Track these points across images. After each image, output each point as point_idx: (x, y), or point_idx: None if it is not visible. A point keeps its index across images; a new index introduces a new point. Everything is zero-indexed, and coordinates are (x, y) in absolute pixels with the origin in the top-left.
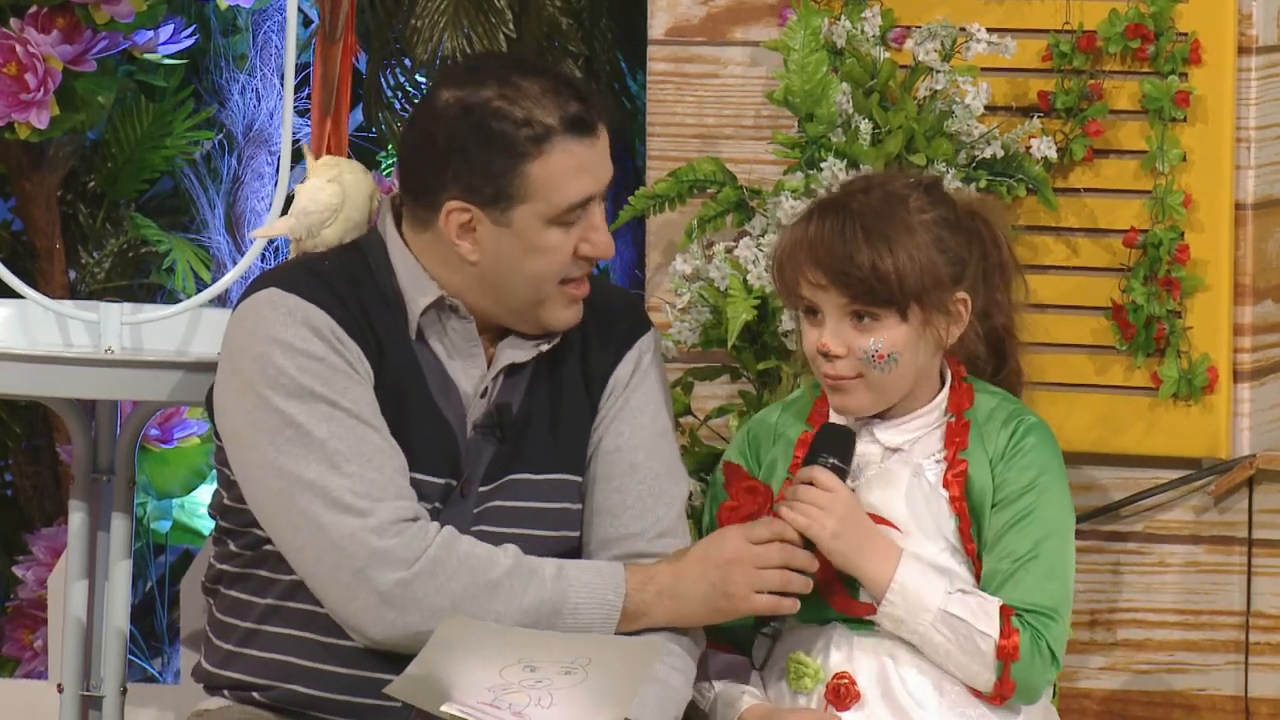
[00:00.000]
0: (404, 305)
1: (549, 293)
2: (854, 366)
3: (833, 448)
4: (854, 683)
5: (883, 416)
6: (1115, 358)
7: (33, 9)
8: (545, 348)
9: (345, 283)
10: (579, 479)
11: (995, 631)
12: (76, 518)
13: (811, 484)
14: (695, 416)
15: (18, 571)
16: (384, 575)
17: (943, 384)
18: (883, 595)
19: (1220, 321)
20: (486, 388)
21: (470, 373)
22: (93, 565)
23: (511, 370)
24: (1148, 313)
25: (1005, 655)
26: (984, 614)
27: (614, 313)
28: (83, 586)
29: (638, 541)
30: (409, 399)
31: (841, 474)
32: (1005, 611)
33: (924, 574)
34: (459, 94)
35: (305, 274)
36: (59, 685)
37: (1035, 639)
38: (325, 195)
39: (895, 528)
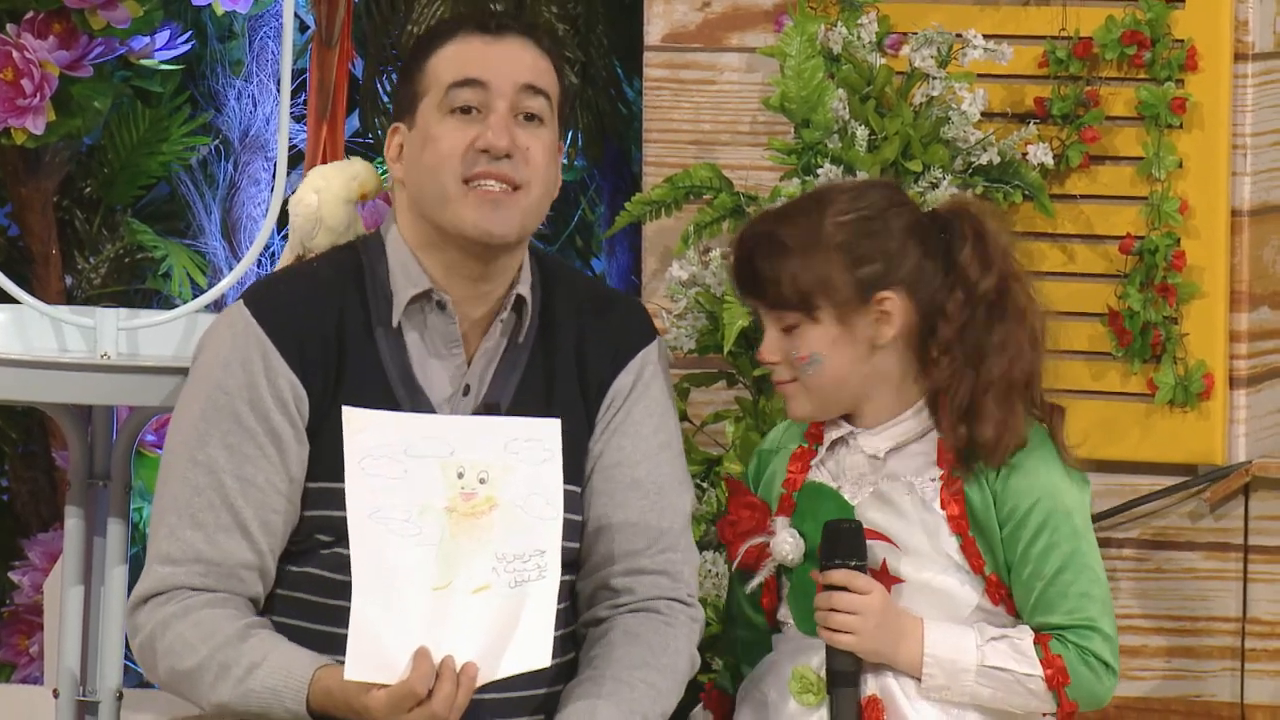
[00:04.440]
0: (390, 300)
1: (451, 189)
2: (788, 372)
3: (845, 549)
4: (881, 706)
5: (865, 425)
6: (1111, 364)
7: (29, 14)
8: (504, 315)
9: (326, 285)
10: (575, 489)
11: (1038, 669)
12: (72, 523)
13: (844, 588)
14: (691, 422)
15: (14, 577)
16: (132, 638)
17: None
18: (919, 671)
19: (1216, 328)
20: (469, 384)
21: (449, 370)
22: (89, 571)
23: (501, 366)
24: (1144, 319)
25: (1056, 684)
26: (1022, 655)
27: (615, 318)
28: (79, 592)
29: (640, 558)
30: (373, 406)
31: (862, 569)
32: (1041, 639)
33: (950, 636)
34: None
35: (283, 284)
36: (55, 690)
37: (1081, 655)
38: (304, 206)
39: (893, 543)
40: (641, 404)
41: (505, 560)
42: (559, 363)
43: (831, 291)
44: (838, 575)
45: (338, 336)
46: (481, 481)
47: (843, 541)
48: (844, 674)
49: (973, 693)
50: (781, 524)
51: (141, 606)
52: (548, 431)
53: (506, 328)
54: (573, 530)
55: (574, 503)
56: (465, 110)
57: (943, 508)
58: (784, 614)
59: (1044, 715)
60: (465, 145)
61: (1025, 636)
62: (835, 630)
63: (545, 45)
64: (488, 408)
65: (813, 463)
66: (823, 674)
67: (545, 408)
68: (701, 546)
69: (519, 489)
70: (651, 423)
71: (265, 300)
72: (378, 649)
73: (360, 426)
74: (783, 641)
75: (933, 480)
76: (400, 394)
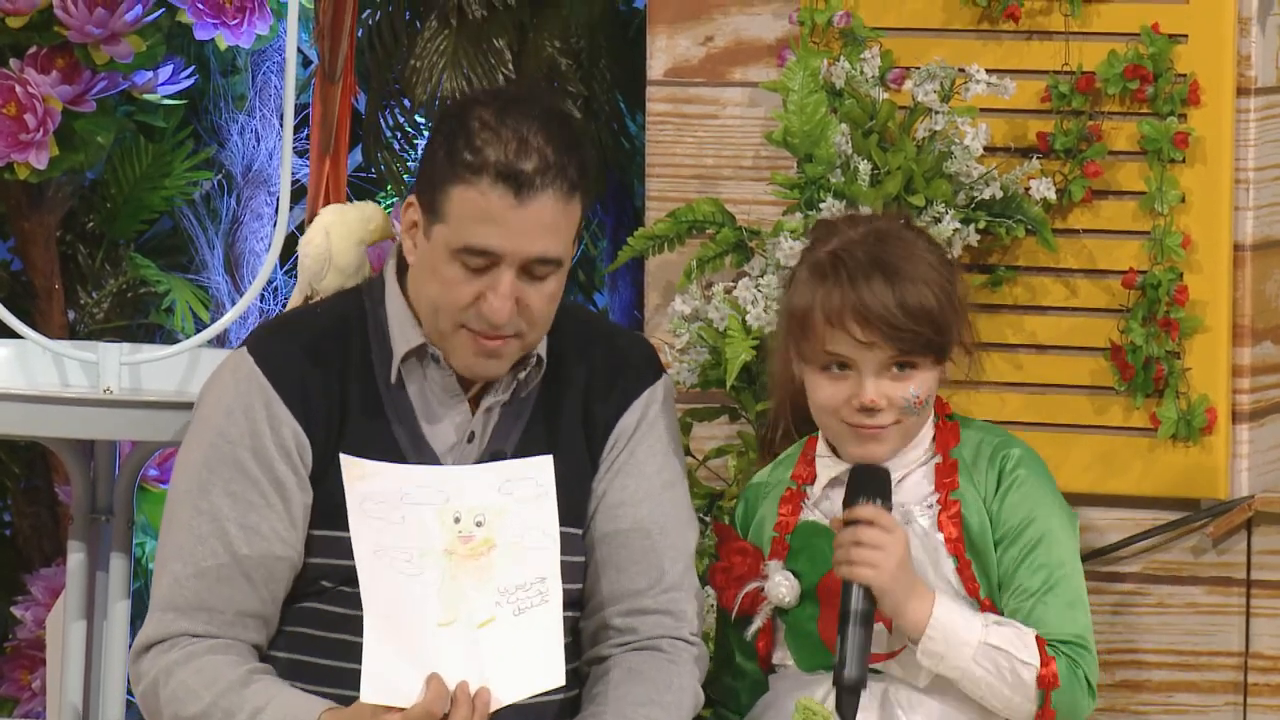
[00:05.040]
0: (390, 352)
1: (447, 327)
2: (893, 415)
3: (874, 488)
4: None
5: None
6: (1114, 398)
7: (33, 49)
8: (522, 375)
9: (329, 333)
10: (577, 531)
11: (1036, 660)
12: (75, 558)
13: (870, 523)
14: (694, 457)
15: (16, 612)
16: (135, 685)
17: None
18: (922, 632)
19: (1219, 362)
20: (473, 431)
21: (454, 419)
22: (91, 605)
23: (506, 414)
24: (1146, 354)
25: (1046, 684)
26: (1023, 644)
27: (621, 362)
28: (81, 627)
29: (643, 598)
30: (377, 455)
31: (889, 509)
32: (1040, 641)
33: (960, 609)
34: (466, 96)
35: (286, 331)
36: None
37: (1073, 667)
38: (313, 247)
39: None
40: (645, 443)
41: (507, 593)
42: (564, 403)
43: (964, 329)
44: (865, 510)
45: (341, 385)
46: (478, 524)
47: (871, 482)
48: (858, 614)
49: (965, 669)
50: (775, 567)
51: (144, 654)
52: (540, 469)
53: (517, 378)
54: (575, 570)
55: (575, 544)
56: (475, 269)
57: (940, 530)
58: (780, 656)
59: None
60: (468, 300)
61: (1029, 632)
62: (856, 565)
63: (574, 184)
64: (493, 455)
65: (805, 504)
66: (828, 704)
67: (550, 451)
68: (704, 582)
69: (516, 528)
70: (655, 462)
71: (268, 348)
72: (391, 675)
73: (358, 474)
74: (780, 680)
75: (930, 507)
76: (404, 444)
